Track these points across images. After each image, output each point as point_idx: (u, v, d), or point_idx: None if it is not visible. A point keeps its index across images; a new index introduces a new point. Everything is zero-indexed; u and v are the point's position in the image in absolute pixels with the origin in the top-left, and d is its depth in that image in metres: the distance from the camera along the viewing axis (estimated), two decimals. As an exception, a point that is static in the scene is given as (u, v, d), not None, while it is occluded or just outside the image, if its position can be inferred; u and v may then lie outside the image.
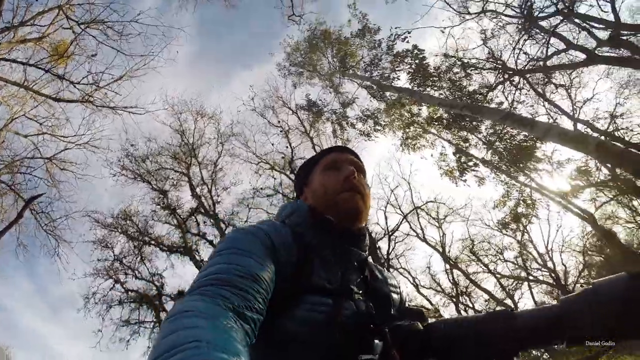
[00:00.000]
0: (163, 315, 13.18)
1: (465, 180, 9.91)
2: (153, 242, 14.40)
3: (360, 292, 0.94)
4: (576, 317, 0.67)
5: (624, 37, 10.30)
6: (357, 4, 13.51)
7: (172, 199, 14.15)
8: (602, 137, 11.44)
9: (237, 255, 0.79)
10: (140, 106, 12.91)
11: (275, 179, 13.57)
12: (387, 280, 1.08)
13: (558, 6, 11.29)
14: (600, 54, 11.51)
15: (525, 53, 12.39)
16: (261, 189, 13.57)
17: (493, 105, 11.31)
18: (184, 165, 15.15)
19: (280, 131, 13.76)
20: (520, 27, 12.22)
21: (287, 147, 13.40)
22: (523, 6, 11.71)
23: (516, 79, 11.67)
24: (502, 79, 12.24)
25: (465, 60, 12.59)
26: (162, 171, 15.07)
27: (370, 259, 1.09)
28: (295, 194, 1.22)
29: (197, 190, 14.61)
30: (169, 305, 13.58)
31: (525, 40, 11.84)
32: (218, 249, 0.83)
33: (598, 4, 10.12)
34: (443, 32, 12.89)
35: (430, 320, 0.89)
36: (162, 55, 14.62)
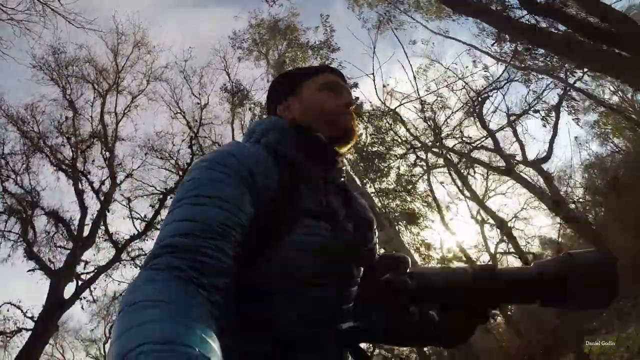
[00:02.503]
0: (30, 232, 13.11)
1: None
2: (46, 151, 14.01)
3: (345, 215, 0.92)
4: (555, 279, 0.68)
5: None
6: (329, 17, 13.22)
7: (72, 124, 13.65)
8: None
9: (198, 206, 0.70)
10: (83, 16, 12.12)
11: (174, 145, 13.25)
12: (360, 201, 1.04)
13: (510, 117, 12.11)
14: (517, 171, 12.65)
15: (461, 132, 13.16)
16: (156, 149, 13.27)
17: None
18: (105, 86, 14.55)
19: (197, 103, 13.36)
20: (467, 110, 12.88)
21: (197, 120, 13.08)
22: (477, 97, 12.29)
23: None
24: (417, 148, 12.88)
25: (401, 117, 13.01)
26: (82, 82, 14.41)
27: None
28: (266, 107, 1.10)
29: (106, 117, 14.21)
30: (40, 221, 13.45)
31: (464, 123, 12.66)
32: (178, 197, 0.73)
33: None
34: (385, 87, 13.15)
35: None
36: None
